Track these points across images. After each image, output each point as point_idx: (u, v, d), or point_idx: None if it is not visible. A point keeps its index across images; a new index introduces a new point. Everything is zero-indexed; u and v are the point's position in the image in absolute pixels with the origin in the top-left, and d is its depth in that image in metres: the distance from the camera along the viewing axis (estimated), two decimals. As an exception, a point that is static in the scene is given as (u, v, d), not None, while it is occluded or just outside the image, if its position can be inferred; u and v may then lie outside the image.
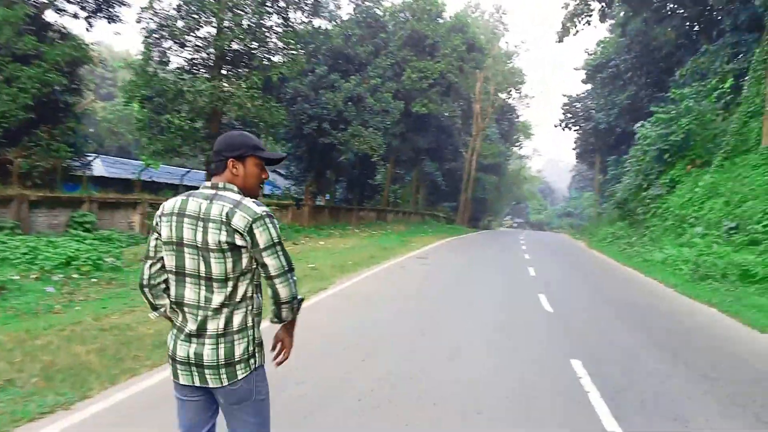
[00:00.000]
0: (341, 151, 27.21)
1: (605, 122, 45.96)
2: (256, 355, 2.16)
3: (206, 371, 2.07)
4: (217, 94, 19.01)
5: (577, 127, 57.20)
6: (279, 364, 2.30)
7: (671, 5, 35.65)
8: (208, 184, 2.16)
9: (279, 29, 22.00)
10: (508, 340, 6.78)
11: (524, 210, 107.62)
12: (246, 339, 2.11)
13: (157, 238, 2.18)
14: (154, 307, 2.27)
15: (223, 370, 2.06)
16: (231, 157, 2.15)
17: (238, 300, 2.09)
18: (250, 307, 2.13)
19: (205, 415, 2.23)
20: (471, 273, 14.39)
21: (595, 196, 59.60)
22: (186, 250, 2.08)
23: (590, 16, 33.56)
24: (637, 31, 38.06)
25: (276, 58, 21.43)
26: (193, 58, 20.75)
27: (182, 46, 20.31)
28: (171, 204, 2.15)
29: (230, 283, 2.07)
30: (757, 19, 24.54)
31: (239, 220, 2.02)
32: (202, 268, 2.06)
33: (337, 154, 27.56)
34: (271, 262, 2.07)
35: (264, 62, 20.76)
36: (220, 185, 2.13)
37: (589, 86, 52.86)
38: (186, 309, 2.10)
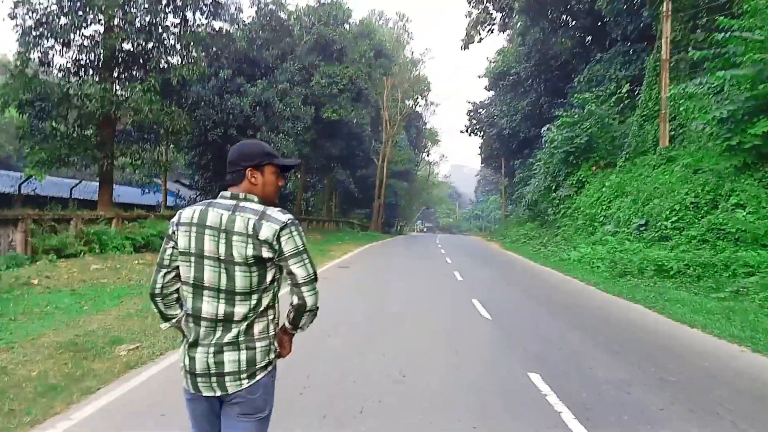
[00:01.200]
0: (250, 159, 25.78)
1: (508, 128, 47.45)
2: (274, 364, 2.17)
3: (226, 378, 2.05)
4: (109, 98, 17.17)
5: (482, 133, 58.84)
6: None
7: (565, 17, 37.51)
8: (228, 194, 2.12)
9: (177, 30, 20.45)
10: (455, 355, 6.17)
11: (433, 214, 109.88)
12: (267, 346, 2.11)
13: (173, 247, 2.13)
14: (166, 318, 2.24)
15: (244, 375, 2.06)
16: (249, 166, 2.12)
17: (261, 310, 2.09)
18: (271, 317, 2.14)
19: (216, 424, 2.17)
20: (399, 280, 13.80)
21: (501, 199, 61.71)
22: (206, 262, 2.05)
23: (493, 24, 34.42)
24: (535, 40, 39.63)
25: (175, 60, 19.83)
26: (80, 59, 18.69)
27: (66, 45, 18.22)
28: (189, 213, 2.11)
29: (255, 296, 2.06)
30: (645, 30, 26.13)
31: (266, 231, 2.01)
32: (224, 281, 2.03)
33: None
34: (299, 270, 2.07)
35: (162, 64, 19.11)
36: (241, 195, 2.10)
37: (492, 93, 54.59)
38: (203, 322, 2.07)
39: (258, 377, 2.08)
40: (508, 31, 46.67)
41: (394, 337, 6.98)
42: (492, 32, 36.96)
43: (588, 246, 18.07)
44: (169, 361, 5.69)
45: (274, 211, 2.06)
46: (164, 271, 2.15)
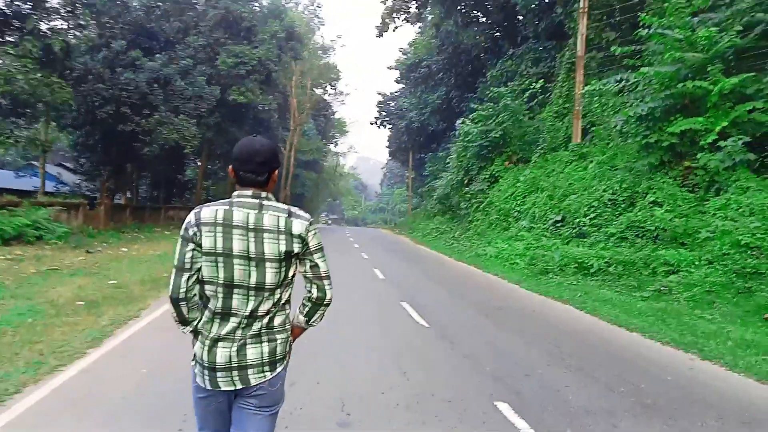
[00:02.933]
0: (145, 141, 23.39)
1: (418, 121, 47.39)
2: (288, 355, 2.24)
3: (249, 371, 2.10)
4: (-28, 63, 14.59)
5: (391, 125, 58.59)
6: None
7: (478, 12, 37.79)
8: (249, 193, 2.13)
9: (61, -10, 17.85)
10: (404, 378, 5.20)
11: (339, 206, 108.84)
12: (286, 338, 2.21)
13: (193, 249, 2.10)
14: (186, 322, 2.19)
15: (267, 367, 2.13)
16: (276, 167, 2.20)
17: (282, 304, 2.18)
18: (288, 310, 2.24)
19: (228, 419, 2.21)
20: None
21: (408, 191, 61.87)
22: (235, 261, 2.06)
23: (408, 12, 33.87)
24: (447, 33, 39.65)
25: (58, 24, 17.29)
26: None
27: None
28: (211, 214, 2.10)
29: (278, 291, 2.14)
30: (556, 28, 26.63)
31: (298, 227, 2.12)
32: (254, 278, 2.08)
33: (141, 144, 23.67)
34: (322, 263, 2.21)
35: (41, 28, 16.54)
36: (263, 195, 2.15)
37: (402, 85, 54.35)
38: (233, 318, 2.10)
39: (278, 369, 2.17)
40: (420, 24, 46.55)
41: (326, 357, 5.90)
42: (408, 21, 36.31)
43: (504, 242, 17.87)
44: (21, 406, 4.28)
45: (297, 210, 2.18)
46: (187, 274, 2.12)
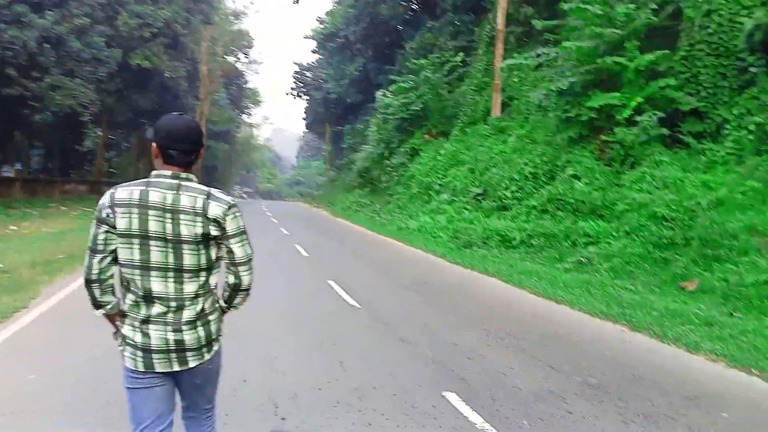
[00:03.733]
0: (36, 107, 21.06)
1: (335, 92, 46.37)
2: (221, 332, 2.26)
3: (188, 354, 2.10)
4: None
5: (308, 97, 57.10)
6: None
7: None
8: (168, 173, 2.07)
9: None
10: (341, 369, 4.73)
11: (253, 179, 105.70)
12: (218, 318, 2.22)
13: (107, 231, 2.06)
14: (99, 305, 2.14)
15: (204, 349, 2.14)
16: (202, 146, 2.20)
17: (210, 287, 2.16)
18: (216, 291, 2.21)
19: (170, 402, 2.21)
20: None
21: (325, 164, 60.87)
22: (152, 242, 2.03)
23: (326, -21, 32.53)
24: (365, 2, 38.74)
25: None
26: None
27: None
28: (125, 194, 2.04)
29: (203, 274, 2.10)
30: (474, 2, 26.59)
31: (215, 209, 2.06)
32: (171, 259, 2.04)
33: (31, 111, 21.29)
34: (238, 249, 2.15)
35: None
36: (183, 175, 2.08)
37: (319, 56, 52.88)
38: (157, 301, 2.07)
39: (215, 347, 2.20)
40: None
41: (252, 350, 5.31)
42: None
43: (426, 215, 17.77)
44: None
45: (218, 192, 2.14)
46: (100, 256, 2.07)
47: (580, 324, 6.78)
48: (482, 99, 22.06)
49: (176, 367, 2.09)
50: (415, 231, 16.56)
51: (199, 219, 2.02)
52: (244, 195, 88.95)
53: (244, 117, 68.86)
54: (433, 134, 23.36)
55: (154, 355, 2.06)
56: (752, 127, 11.29)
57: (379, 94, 26.76)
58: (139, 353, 2.07)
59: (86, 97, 21.06)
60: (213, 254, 2.11)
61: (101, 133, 32.80)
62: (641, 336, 6.24)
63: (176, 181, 2.05)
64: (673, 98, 12.81)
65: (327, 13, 49.95)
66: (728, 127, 12.08)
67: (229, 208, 2.09)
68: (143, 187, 2.04)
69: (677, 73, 13.01)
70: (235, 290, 2.22)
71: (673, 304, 7.46)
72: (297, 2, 34.05)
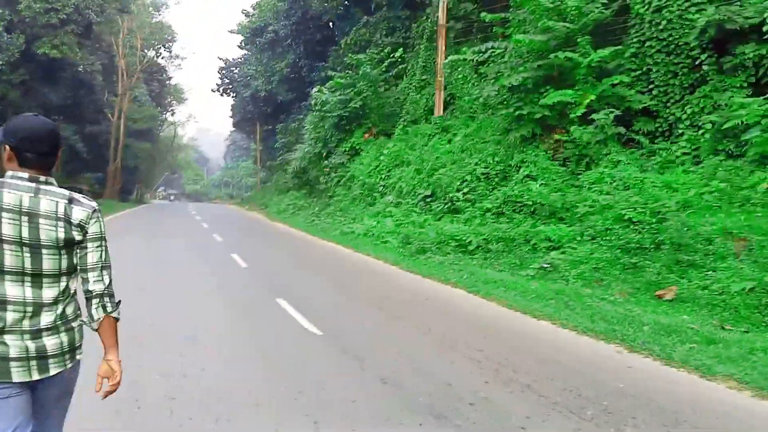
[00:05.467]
0: None
1: (264, 90, 44.47)
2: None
3: (50, 360, 2.01)
4: None
5: (235, 94, 54.68)
6: (108, 394, 2.16)
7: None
8: (24, 175, 1.98)
9: None
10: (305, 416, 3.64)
11: (178, 180, 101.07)
12: (81, 325, 2.11)
13: None
14: None
15: (67, 356, 2.06)
16: (60, 148, 2.12)
17: (71, 293, 2.10)
18: (76, 298, 2.14)
19: (29, 412, 2.06)
20: (167, 266, 10.40)
21: (255, 165, 58.57)
22: (5, 246, 1.93)
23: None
24: (295, -3, 37.26)
25: None
26: None
27: None
28: None
29: (63, 279, 2.04)
30: (411, -1, 25.89)
31: (79, 214, 2.02)
32: (28, 264, 1.96)
33: None
34: (93, 254, 2.07)
35: None
36: (42, 178, 2.01)
37: (246, 51, 50.69)
38: (10, 307, 1.96)
39: (77, 357, 2.11)
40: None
41: (196, 406, 4.09)
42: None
43: (371, 218, 16.79)
44: None
45: (79, 196, 2.08)
46: None
47: (572, 345, 6.01)
48: (423, 97, 21.32)
49: (36, 376, 1.99)
50: (362, 236, 15.53)
51: (62, 224, 1.99)
52: (171, 197, 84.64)
53: (168, 115, 65.30)
54: (374, 133, 22.40)
55: (12, 364, 1.95)
56: (708, 126, 11.10)
57: (314, 90, 25.48)
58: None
59: (-18, 88, 18.54)
60: (75, 259, 2.06)
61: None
62: (642, 358, 5.54)
63: (34, 184, 1.98)
64: (624, 96, 12.53)
65: (254, 6, 47.88)
66: (681, 126, 11.89)
67: (93, 212, 2.06)
68: None
69: (627, 71, 12.74)
70: (88, 299, 2.09)
71: (663, 318, 6.85)
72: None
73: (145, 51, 49.82)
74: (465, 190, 14.02)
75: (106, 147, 42.66)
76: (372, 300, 8.11)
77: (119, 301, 2.14)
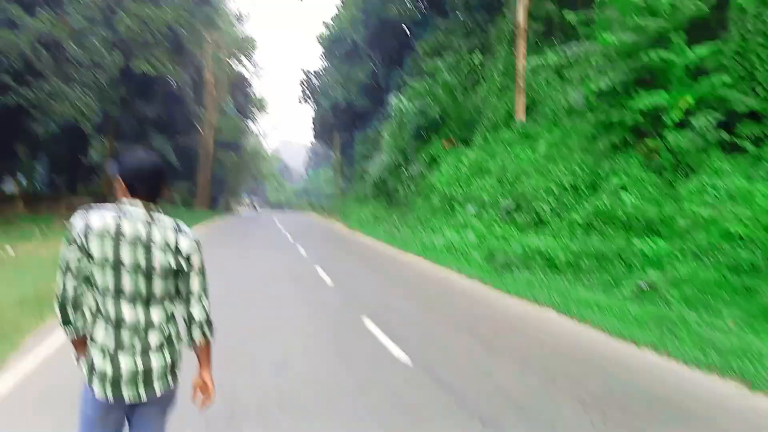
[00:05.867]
0: (36, 118, 19.94)
1: (344, 99, 45.23)
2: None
3: (155, 380, 2.17)
4: None
5: (316, 104, 56.03)
6: (203, 405, 2.37)
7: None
8: (138, 203, 2.17)
9: None
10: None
11: (262, 189, 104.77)
12: (180, 348, 2.28)
13: (81, 256, 2.12)
14: (69, 326, 2.20)
15: (170, 376, 2.23)
16: (165, 180, 2.31)
17: (173, 315, 2.26)
18: (178, 322, 2.29)
19: (125, 426, 2.28)
20: (256, 282, 10.68)
21: (335, 174, 59.62)
22: (124, 271, 2.11)
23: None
24: (372, 5, 37.57)
25: None
26: None
27: None
28: (99, 223, 2.12)
29: (170, 302, 2.23)
30: (487, 0, 25.37)
31: (185, 245, 2.20)
32: (143, 289, 2.13)
33: (32, 121, 20.16)
34: (196, 282, 2.25)
35: None
36: (153, 207, 2.20)
37: (326, 63, 51.84)
38: (125, 327, 2.13)
39: (177, 376, 2.28)
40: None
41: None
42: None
43: (452, 230, 16.50)
44: None
45: (184, 226, 2.26)
46: (72, 277, 2.13)
47: (683, 380, 5.49)
48: (503, 102, 20.78)
49: (143, 396, 2.15)
50: (443, 249, 15.29)
51: (171, 252, 2.15)
52: (256, 207, 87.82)
53: (252, 125, 67.89)
54: (453, 141, 22.09)
55: (122, 384, 2.12)
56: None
57: (392, 98, 25.47)
58: (109, 383, 2.12)
59: (87, 106, 19.88)
60: (178, 284, 2.22)
61: (108, 145, 31.68)
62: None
63: (148, 213, 2.17)
64: (725, 98, 11.52)
65: (333, 18, 48.93)
66: (793, 130, 10.79)
67: (197, 243, 2.25)
68: (116, 216, 2.13)
69: (728, 70, 11.71)
70: (191, 324, 2.26)
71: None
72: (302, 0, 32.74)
73: (231, 64, 51.98)
74: (551, 201, 13.46)
75: (195, 158, 44.86)
76: (460, 323, 7.86)
77: (214, 327, 2.34)
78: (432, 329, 7.61)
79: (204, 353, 2.33)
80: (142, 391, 2.14)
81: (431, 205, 20.18)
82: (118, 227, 2.09)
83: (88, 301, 2.17)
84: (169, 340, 2.21)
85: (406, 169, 23.58)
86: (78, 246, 2.10)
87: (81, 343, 2.21)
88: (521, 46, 18.51)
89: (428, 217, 19.72)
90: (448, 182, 19.63)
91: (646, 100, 11.91)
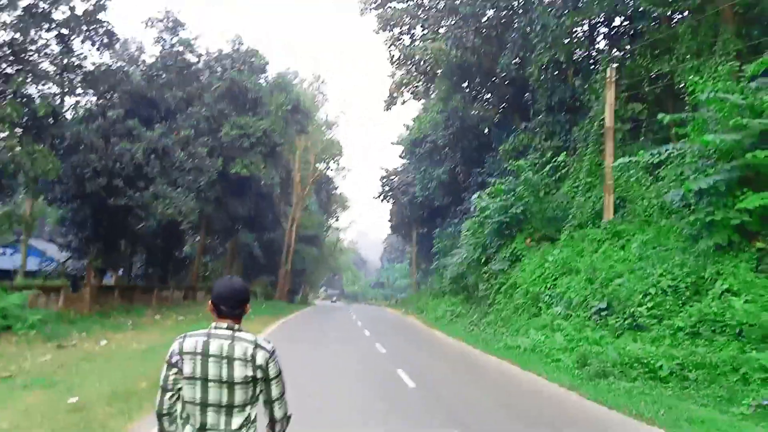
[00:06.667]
0: (140, 216, 21.60)
1: (422, 195, 46.06)
2: None
3: None
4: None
5: (394, 200, 57.45)
6: None
7: (487, 85, 37.13)
8: (224, 325, 2.59)
9: (57, 59, 16.63)
10: None
11: (338, 281, 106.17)
12: None
13: (176, 373, 2.55)
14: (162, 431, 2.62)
15: None
16: (248, 302, 2.70)
17: (252, 420, 2.59)
18: (256, 423, 2.63)
19: None
20: (332, 381, 10.47)
21: (411, 267, 59.68)
22: (210, 384, 2.49)
23: (417, 86, 33.21)
24: (454, 108, 38.93)
25: (46, 88, 15.86)
26: None
27: None
28: (192, 345, 2.54)
29: (247, 407, 2.56)
30: (569, 101, 25.72)
31: (261, 358, 2.57)
32: (225, 398, 2.50)
33: (135, 220, 21.85)
34: (275, 388, 2.65)
35: (26, 90, 15.06)
36: (236, 327, 2.61)
37: (406, 160, 53.55)
38: (209, 430, 2.49)
39: None
40: (423, 100, 46.15)
41: None
42: (414, 97, 35.60)
43: (538, 331, 15.67)
44: None
45: (262, 341, 2.62)
46: (169, 394, 2.57)
47: None
48: (590, 200, 20.33)
49: None
50: (529, 351, 14.49)
51: (249, 364, 2.52)
52: (333, 299, 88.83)
53: (332, 221, 70.22)
54: (537, 238, 21.60)
55: None
56: None
57: (474, 196, 25.61)
58: None
59: (185, 206, 21.37)
60: (256, 391, 2.59)
61: (200, 239, 33.54)
62: None
63: (230, 332, 2.57)
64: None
65: (414, 119, 51.06)
66: None
67: (271, 355, 2.60)
68: (205, 338, 2.54)
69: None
70: (272, 422, 2.68)
71: None
72: (389, 109, 34.61)
73: (317, 165, 54.84)
74: (649, 304, 12.57)
75: (278, 252, 46.45)
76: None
77: (290, 416, 2.73)
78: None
79: None
80: None
81: (513, 304, 19.46)
82: (206, 348, 2.50)
83: (179, 409, 2.56)
84: None
85: (487, 266, 23.14)
86: (173, 366, 2.54)
87: None
88: (609, 146, 18.35)
89: (510, 316, 18.96)
90: (533, 280, 18.96)
91: (755, 200, 11.22)
